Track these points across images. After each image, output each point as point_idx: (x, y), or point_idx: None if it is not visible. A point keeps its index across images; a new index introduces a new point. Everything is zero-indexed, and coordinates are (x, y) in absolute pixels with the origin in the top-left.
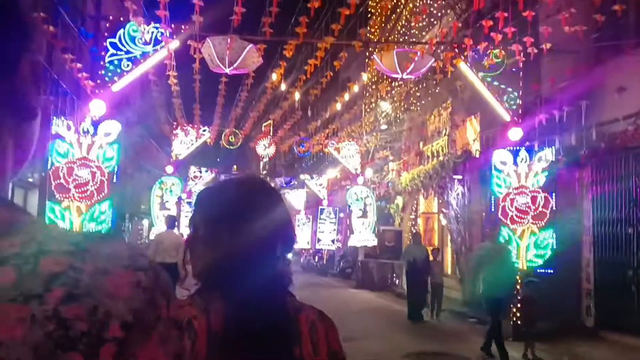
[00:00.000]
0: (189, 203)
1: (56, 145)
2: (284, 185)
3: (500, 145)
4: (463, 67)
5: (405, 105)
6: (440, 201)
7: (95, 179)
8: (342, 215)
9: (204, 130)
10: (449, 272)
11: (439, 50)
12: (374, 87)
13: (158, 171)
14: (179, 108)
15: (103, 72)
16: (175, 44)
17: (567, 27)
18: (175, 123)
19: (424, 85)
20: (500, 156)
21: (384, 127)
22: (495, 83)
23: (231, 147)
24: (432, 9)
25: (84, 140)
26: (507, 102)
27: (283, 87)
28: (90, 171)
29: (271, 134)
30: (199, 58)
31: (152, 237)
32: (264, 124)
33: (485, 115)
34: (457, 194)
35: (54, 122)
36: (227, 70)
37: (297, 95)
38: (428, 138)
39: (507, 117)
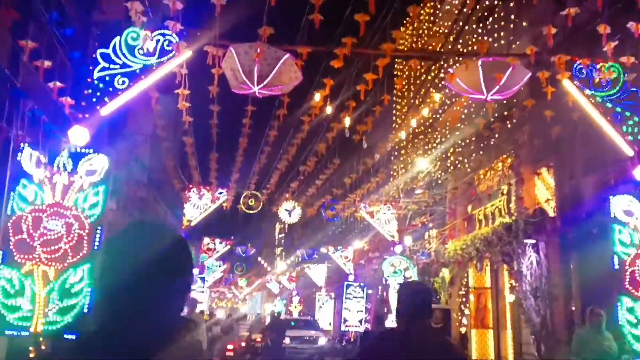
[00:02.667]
0: (202, 279)
1: (19, 187)
2: (305, 258)
3: (603, 194)
4: (567, 84)
5: (450, 163)
6: (507, 272)
7: (72, 234)
8: (370, 292)
9: (220, 193)
10: (510, 359)
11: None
12: (412, 143)
13: None
14: (191, 154)
15: (90, 91)
16: (187, 54)
17: None
18: (189, 184)
19: (476, 136)
20: (622, 203)
21: (418, 191)
22: (613, 107)
23: (250, 212)
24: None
25: (58, 180)
26: (626, 131)
27: (329, 110)
28: (64, 222)
29: (297, 188)
30: (218, 74)
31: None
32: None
33: (563, 163)
34: (530, 263)
35: (22, 154)
36: (255, 89)
37: (346, 122)
38: (478, 199)
39: (629, 152)
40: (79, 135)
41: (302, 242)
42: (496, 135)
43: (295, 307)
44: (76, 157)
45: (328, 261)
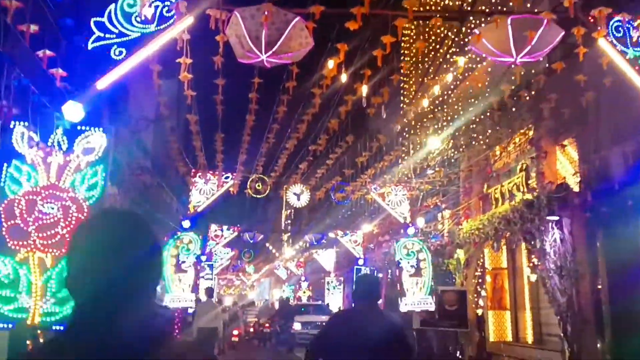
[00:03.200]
0: (210, 266)
1: (11, 168)
2: (314, 243)
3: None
4: (603, 43)
5: (464, 141)
6: (526, 251)
7: (69, 217)
8: (380, 275)
9: (227, 178)
10: (530, 341)
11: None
12: (424, 120)
13: (172, 224)
14: (196, 134)
15: (84, 62)
16: (188, 20)
17: None
18: (194, 169)
19: (492, 111)
20: None
21: (430, 171)
22: None
23: (258, 197)
24: None
25: (53, 160)
26: None
27: (343, 78)
28: (61, 205)
29: (306, 169)
30: (223, 42)
31: (167, 303)
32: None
33: (587, 133)
34: (554, 240)
35: (14, 133)
36: (263, 57)
37: (363, 91)
38: (494, 177)
39: None
40: (73, 110)
41: (310, 228)
42: (513, 109)
43: (304, 292)
44: (72, 134)
45: (337, 246)
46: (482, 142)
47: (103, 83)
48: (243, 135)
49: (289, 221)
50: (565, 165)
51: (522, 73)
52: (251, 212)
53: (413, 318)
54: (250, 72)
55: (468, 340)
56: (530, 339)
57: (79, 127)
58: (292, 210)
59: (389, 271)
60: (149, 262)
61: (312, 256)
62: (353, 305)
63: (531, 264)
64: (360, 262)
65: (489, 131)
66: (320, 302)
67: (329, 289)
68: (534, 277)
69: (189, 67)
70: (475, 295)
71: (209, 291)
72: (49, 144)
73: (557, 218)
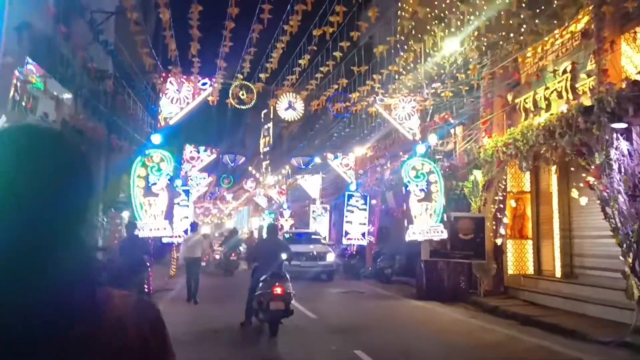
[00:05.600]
0: (186, 192)
1: None
2: (302, 167)
3: None
4: None
5: (488, 42)
6: (556, 173)
7: None
8: (374, 202)
9: (204, 84)
10: (558, 274)
11: None
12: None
13: (139, 137)
14: (169, 35)
15: None
16: None
17: None
18: (164, 73)
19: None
20: None
21: (436, 84)
22: None
23: (242, 108)
24: None
25: None
26: None
27: None
28: None
29: (305, 68)
30: None
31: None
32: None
33: None
34: (621, 153)
35: None
36: None
37: None
38: (524, 85)
39: None
40: None
41: (295, 152)
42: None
43: (287, 220)
44: None
45: (323, 172)
46: (513, 40)
47: None
48: (227, 11)
49: (267, 149)
50: (635, 59)
51: None
52: (232, 133)
53: (422, 248)
54: None
55: (484, 273)
56: (558, 272)
57: None
58: (271, 139)
59: (380, 198)
60: (75, 192)
61: (296, 182)
62: (267, 236)
63: (581, 184)
64: (352, 187)
65: (524, 27)
66: (312, 231)
67: (314, 218)
68: (584, 201)
69: None
70: (494, 222)
71: (193, 225)
72: None
73: (625, 125)
